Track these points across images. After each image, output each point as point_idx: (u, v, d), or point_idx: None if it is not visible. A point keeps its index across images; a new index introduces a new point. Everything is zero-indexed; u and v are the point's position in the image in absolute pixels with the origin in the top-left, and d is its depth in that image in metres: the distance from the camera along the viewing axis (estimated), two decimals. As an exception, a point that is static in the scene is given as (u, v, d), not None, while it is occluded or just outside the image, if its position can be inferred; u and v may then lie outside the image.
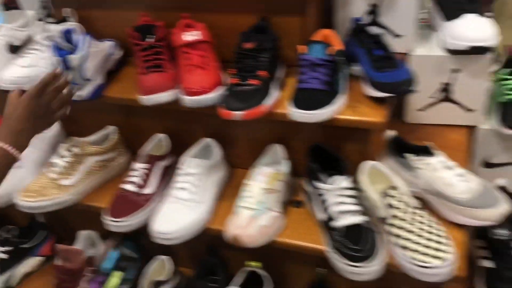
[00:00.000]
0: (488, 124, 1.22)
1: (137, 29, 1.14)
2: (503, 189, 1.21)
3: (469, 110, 1.20)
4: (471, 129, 1.25)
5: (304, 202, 1.09)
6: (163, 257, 1.19)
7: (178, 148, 1.20)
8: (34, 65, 1.21)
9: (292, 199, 1.12)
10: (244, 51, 1.03)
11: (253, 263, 1.08)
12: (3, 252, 1.23)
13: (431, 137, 1.23)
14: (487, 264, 1.09)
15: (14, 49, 1.29)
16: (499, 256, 1.07)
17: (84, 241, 1.22)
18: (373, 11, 1.11)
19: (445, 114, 1.22)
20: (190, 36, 1.09)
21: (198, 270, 1.14)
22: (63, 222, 1.36)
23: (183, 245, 1.26)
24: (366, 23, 1.11)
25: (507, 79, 1.20)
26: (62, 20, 1.27)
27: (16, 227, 1.30)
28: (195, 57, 1.08)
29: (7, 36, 1.29)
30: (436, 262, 0.85)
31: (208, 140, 1.17)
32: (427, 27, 1.27)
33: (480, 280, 1.10)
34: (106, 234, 1.28)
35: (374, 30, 1.10)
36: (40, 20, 1.33)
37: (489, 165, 1.27)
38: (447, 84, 1.17)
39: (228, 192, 1.14)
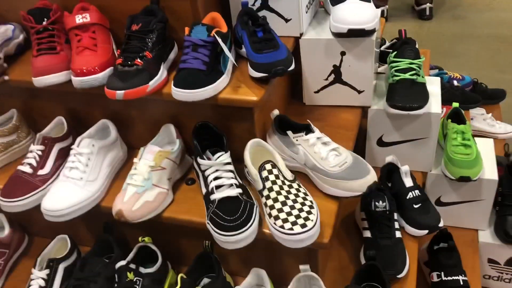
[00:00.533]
0: (379, 104, 1.29)
1: (31, 12, 1.16)
2: (391, 165, 1.29)
3: (359, 91, 1.27)
4: (365, 109, 1.32)
5: (195, 180, 1.14)
6: (61, 236, 1.22)
7: (79, 130, 1.22)
8: None
9: (186, 177, 1.16)
10: (130, 33, 1.06)
11: (144, 238, 1.12)
12: None
13: (325, 117, 1.29)
14: (367, 234, 1.16)
15: None
16: (376, 226, 1.14)
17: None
18: (261, -5, 1.16)
19: (338, 95, 1.29)
20: (80, 18, 1.11)
21: (94, 247, 1.17)
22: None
23: (83, 223, 1.30)
24: (254, 7, 1.16)
25: (394, 61, 1.26)
26: (-37, 3, 1.27)
27: None
28: (85, 39, 1.11)
29: None
30: (299, 229, 0.90)
31: (105, 121, 1.19)
32: (324, 12, 1.32)
33: (361, 250, 1.17)
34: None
35: (262, 14, 1.15)
36: None
37: (382, 143, 1.35)
38: (337, 67, 1.23)
39: (124, 172, 1.17)
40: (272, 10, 1.18)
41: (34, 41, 1.15)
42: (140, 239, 1.12)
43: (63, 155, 1.17)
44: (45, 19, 1.15)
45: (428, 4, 3.13)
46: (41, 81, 1.09)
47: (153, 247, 1.12)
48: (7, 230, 1.25)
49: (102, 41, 1.12)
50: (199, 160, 1.03)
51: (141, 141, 1.22)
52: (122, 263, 1.06)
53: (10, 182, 1.12)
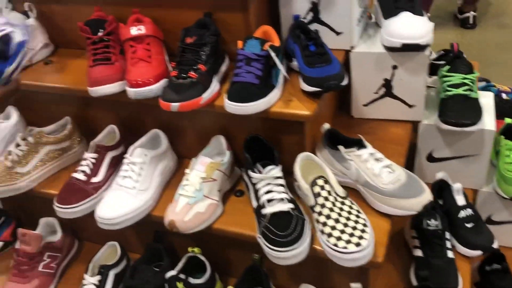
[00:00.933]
0: (430, 119, 1.27)
1: (87, 23, 1.19)
2: (442, 181, 1.26)
3: (410, 105, 1.25)
4: (415, 124, 1.30)
5: (244, 192, 1.14)
6: (112, 242, 1.24)
7: (130, 139, 1.25)
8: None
9: (235, 189, 1.16)
10: (185, 46, 1.08)
11: (194, 249, 1.13)
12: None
13: (375, 131, 1.28)
14: (418, 253, 1.14)
15: None
16: (427, 245, 1.12)
17: (44, 227, 1.27)
18: (313, 8, 1.15)
19: (388, 109, 1.27)
20: (135, 30, 1.13)
21: (144, 255, 1.19)
22: (22, 209, 1.41)
23: (133, 231, 1.32)
24: (305, 20, 1.16)
25: (446, 76, 1.24)
26: (23, 13, 1.32)
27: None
28: (140, 50, 1.13)
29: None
30: (353, 248, 0.89)
31: (156, 131, 1.21)
32: (375, 25, 1.31)
33: (412, 269, 1.15)
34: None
35: (313, 27, 1.15)
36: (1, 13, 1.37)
37: (432, 159, 1.32)
38: (388, 80, 1.22)
39: (175, 181, 1.18)
40: (323, 23, 1.18)
41: (89, 51, 1.18)
42: (189, 249, 1.13)
43: (115, 163, 1.20)
44: (101, 30, 1.18)
45: (472, 12, 3.05)
46: (97, 91, 1.12)
47: (202, 258, 1.13)
48: (59, 235, 1.29)
49: (156, 53, 1.14)
50: (250, 173, 1.03)
51: (190, 151, 1.23)
52: (173, 273, 1.07)
53: (65, 189, 1.15)
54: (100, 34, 1.18)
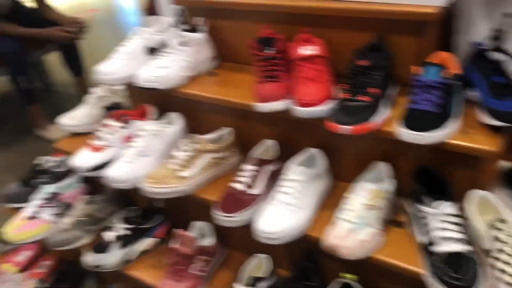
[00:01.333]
0: None
1: (259, 40, 1.23)
2: None
3: None
4: None
5: (405, 223, 1.09)
6: (262, 255, 1.27)
7: (285, 154, 1.27)
8: (167, 67, 1.36)
9: (393, 218, 1.12)
10: (357, 68, 1.06)
11: (348, 275, 1.11)
12: (126, 229, 1.40)
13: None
14: None
15: (151, 51, 1.46)
16: None
17: (196, 230, 1.34)
18: (498, 36, 1.07)
19: None
20: (306, 50, 1.15)
21: (294, 273, 1.19)
22: (178, 209, 1.50)
23: (282, 247, 1.33)
24: (488, 48, 1.07)
25: None
26: (195, 28, 1.41)
27: (138, 208, 1.47)
28: (309, 70, 1.14)
29: (146, 39, 1.46)
30: (541, 304, 0.81)
31: (313, 150, 1.22)
32: None
33: None
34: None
35: (496, 56, 1.06)
36: (174, 26, 1.48)
37: None
38: None
39: (329, 202, 1.17)
40: (505, 53, 1.09)
41: (258, 68, 1.22)
42: (343, 275, 1.11)
43: (272, 177, 1.22)
44: (271, 48, 1.21)
45: None
46: (264, 107, 1.15)
47: (357, 286, 1.11)
48: (211, 240, 1.35)
49: (325, 73, 1.14)
50: (421, 206, 0.98)
51: (346, 174, 1.22)
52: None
53: (225, 198, 1.20)
54: (269, 52, 1.21)
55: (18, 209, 1.64)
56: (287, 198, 1.11)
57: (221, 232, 1.40)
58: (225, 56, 1.48)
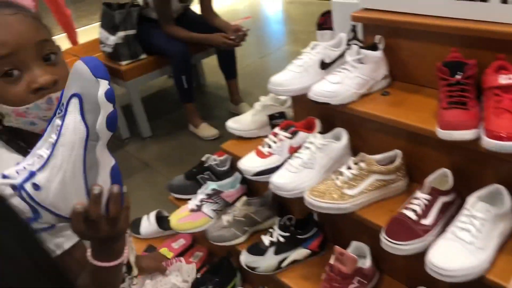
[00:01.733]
0: None
1: (446, 64, 1.18)
2: None
3: None
4: None
5: None
6: (425, 288, 1.21)
7: (460, 186, 1.19)
8: (341, 83, 1.37)
9: None
10: None
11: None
12: (282, 236, 1.44)
13: None
14: None
15: (325, 66, 1.48)
16: None
17: (354, 250, 1.33)
18: None
19: None
20: (505, 79, 1.07)
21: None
22: (333, 224, 1.50)
23: (448, 284, 1.26)
24: None
25: None
26: (372, 45, 1.40)
27: (295, 217, 1.49)
28: (506, 100, 1.06)
29: (321, 53, 1.48)
30: None
31: (499, 187, 1.12)
32: None
33: None
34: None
35: None
36: (350, 42, 1.48)
37: None
38: None
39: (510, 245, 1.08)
40: None
41: (443, 92, 1.16)
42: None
43: (445, 209, 1.16)
44: (459, 72, 1.15)
45: None
46: (450, 135, 1.10)
47: None
48: (370, 263, 1.33)
49: (524, 105, 1.05)
50: None
51: (533, 217, 1.11)
52: None
53: (393, 224, 1.16)
54: (458, 77, 1.15)
55: (180, 199, 1.80)
56: (467, 235, 1.04)
57: (377, 256, 1.37)
58: (399, 75, 1.44)
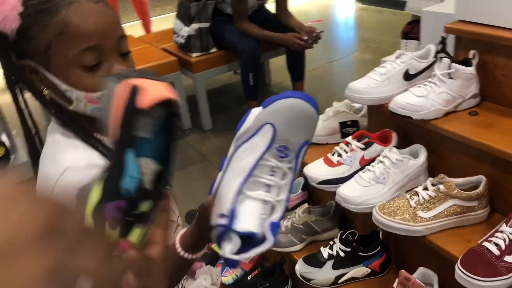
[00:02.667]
0: None
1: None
2: None
3: None
4: None
5: None
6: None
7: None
8: (426, 97, 1.28)
9: None
10: None
11: None
12: (343, 250, 1.37)
13: None
14: None
15: (409, 77, 1.39)
16: None
17: (420, 276, 1.24)
18: None
19: None
20: None
21: None
22: (398, 246, 1.42)
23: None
24: None
25: None
26: (464, 60, 1.30)
27: (355, 232, 1.42)
28: None
29: (406, 63, 1.40)
30: None
31: None
32: None
33: None
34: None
35: None
36: (439, 55, 1.39)
37: None
38: None
39: None
40: None
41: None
42: None
43: (533, 248, 1.04)
44: None
45: None
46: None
47: None
48: (435, 292, 1.23)
49: None
50: None
51: None
52: None
53: (472, 255, 1.07)
54: None
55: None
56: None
57: (444, 286, 1.27)
58: (490, 95, 1.33)
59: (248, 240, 0.61)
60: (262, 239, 0.61)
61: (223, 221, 0.61)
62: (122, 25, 0.82)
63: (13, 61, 0.78)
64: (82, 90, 0.77)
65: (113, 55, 0.78)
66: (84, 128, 0.82)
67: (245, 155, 0.63)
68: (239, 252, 0.61)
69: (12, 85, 0.80)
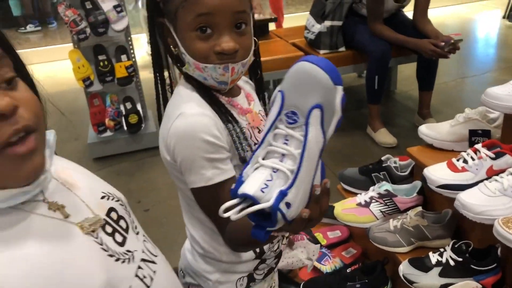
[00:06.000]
0: None
1: None
2: None
3: None
4: None
5: None
6: None
7: None
8: None
9: None
10: None
11: None
12: (453, 259, 1.29)
13: None
14: None
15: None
16: None
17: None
18: None
19: None
20: None
21: None
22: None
23: None
24: None
25: None
26: None
27: (470, 243, 1.34)
28: None
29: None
30: None
31: None
32: None
33: None
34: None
35: None
36: None
37: None
38: None
39: None
40: None
41: None
42: None
43: None
44: None
45: None
46: None
47: None
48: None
49: None
50: None
51: None
52: None
53: None
54: None
55: (348, 191, 1.76)
56: None
57: None
58: None
59: (251, 204, 0.60)
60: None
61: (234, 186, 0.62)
62: (246, 1, 0.86)
63: (157, 19, 0.91)
64: (194, 54, 0.86)
65: (226, 27, 0.84)
66: (202, 83, 0.91)
67: (267, 122, 0.63)
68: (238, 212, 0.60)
69: (154, 35, 0.94)
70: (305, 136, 0.60)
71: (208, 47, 0.85)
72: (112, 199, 0.78)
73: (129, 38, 2.92)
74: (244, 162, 0.90)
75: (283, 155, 0.62)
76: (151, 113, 3.13)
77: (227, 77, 0.87)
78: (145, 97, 3.07)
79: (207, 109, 0.89)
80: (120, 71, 2.86)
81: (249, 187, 0.60)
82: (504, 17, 5.18)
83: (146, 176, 2.77)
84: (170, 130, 0.87)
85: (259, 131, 0.97)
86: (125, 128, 3.00)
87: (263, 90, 1.08)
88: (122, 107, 3.04)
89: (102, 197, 0.77)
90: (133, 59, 2.95)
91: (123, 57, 2.92)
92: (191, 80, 0.92)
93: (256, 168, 0.62)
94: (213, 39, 0.84)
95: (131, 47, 2.94)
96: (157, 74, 0.97)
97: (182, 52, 0.88)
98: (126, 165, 2.92)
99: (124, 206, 0.81)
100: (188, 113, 0.86)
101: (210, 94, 0.91)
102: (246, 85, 1.05)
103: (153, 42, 0.95)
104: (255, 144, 0.93)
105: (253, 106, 0.99)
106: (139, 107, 3.10)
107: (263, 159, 0.62)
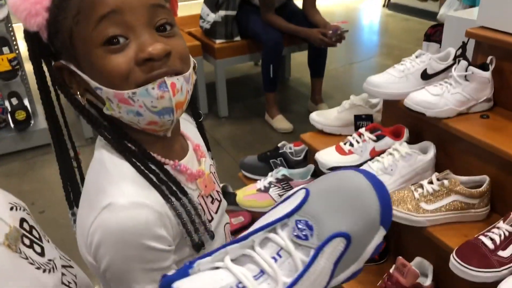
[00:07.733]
0: None
1: None
2: None
3: None
4: None
5: None
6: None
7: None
8: (441, 96, 1.32)
9: None
10: None
11: None
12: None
13: None
14: None
15: (426, 77, 1.44)
16: None
17: (416, 266, 1.29)
18: None
19: None
20: None
21: None
22: (398, 236, 1.47)
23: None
24: None
25: None
26: (482, 65, 1.35)
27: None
28: None
29: (425, 63, 1.45)
30: None
31: None
32: None
33: None
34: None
35: None
36: (458, 58, 1.43)
37: None
38: None
39: None
40: None
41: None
42: None
43: (528, 246, 1.09)
44: None
45: None
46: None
47: None
48: (429, 282, 1.28)
49: None
50: None
51: None
52: None
53: (467, 247, 1.12)
54: None
55: (249, 178, 1.82)
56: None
57: (439, 279, 1.32)
58: (503, 101, 1.38)
59: None
60: None
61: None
62: None
63: (52, 66, 0.69)
64: (110, 79, 0.62)
65: (145, 28, 0.62)
66: (135, 142, 0.68)
67: (267, 216, 0.47)
68: None
69: (45, 92, 0.70)
70: (308, 264, 0.42)
71: (127, 59, 0.61)
72: (20, 209, 0.72)
73: (10, 29, 2.70)
74: (198, 248, 0.70)
75: (263, 272, 0.42)
76: (41, 109, 2.94)
77: (169, 99, 0.63)
78: (33, 92, 2.87)
79: (145, 189, 0.65)
80: (3, 64, 2.64)
81: None
82: (384, 6, 5.62)
83: (39, 175, 2.61)
84: (93, 226, 0.63)
85: (212, 201, 0.77)
86: (12, 125, 2.79)
87: (204, 131, 0.87)
88: (7, 103, 2.82)
89: (11, 208, 0.70)
90: (17, 51, 2.74)
91: (5, 49, 2.69)
92: (116, 145, 0.68)
93: (216, 268, 0.43)
94: (131, 48, 0.62)
95: (13, 38, 2.72)
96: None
97: (96, 88, 0.64)
98: (16, 165, 2.72)
99: (30, 214, 0.75)
100: (119, 204, 0.62)
101: (147, 159, 0.68)
102: (189, 126, 0.84)
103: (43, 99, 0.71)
104: (209, 221, 0.74)
105: (204, 165, 0.77)
106: (26, 102, 2.90)
107: (233, 260, 0.44)
